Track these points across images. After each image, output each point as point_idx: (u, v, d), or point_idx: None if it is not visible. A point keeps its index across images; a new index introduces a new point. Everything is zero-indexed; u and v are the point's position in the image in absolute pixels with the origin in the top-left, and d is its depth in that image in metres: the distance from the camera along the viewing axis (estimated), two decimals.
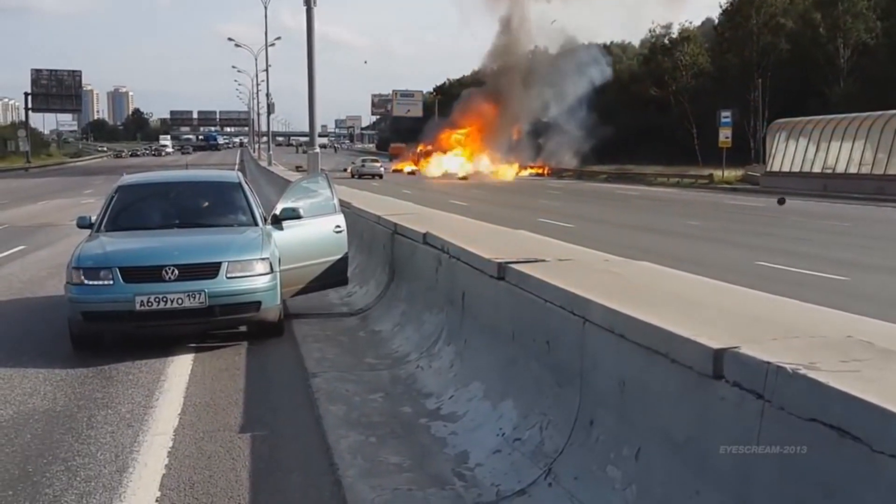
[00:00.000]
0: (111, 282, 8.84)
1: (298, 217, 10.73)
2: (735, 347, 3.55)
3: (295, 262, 10.50)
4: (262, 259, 9.33)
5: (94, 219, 10.57)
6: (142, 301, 8.72)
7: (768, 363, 3.28)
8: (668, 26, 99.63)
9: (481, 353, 6.95)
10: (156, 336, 9.31)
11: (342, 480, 5.45)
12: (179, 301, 8.79)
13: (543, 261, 6.68)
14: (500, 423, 5.85)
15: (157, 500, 5.25)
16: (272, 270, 9.36)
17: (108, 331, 9.23)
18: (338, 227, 11.14)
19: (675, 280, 6.19)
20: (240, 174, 12.09)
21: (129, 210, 10.81)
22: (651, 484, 4.07)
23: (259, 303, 9.21)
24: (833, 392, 2.95)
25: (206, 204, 11.25)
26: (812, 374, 3.09)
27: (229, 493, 5.33)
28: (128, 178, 11.92)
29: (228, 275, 9.04)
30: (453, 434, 6.19)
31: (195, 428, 6.62)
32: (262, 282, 9.22)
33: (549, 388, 5.44)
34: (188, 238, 10.02)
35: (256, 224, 10.50)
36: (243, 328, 9.81)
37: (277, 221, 10.69)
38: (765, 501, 3.27)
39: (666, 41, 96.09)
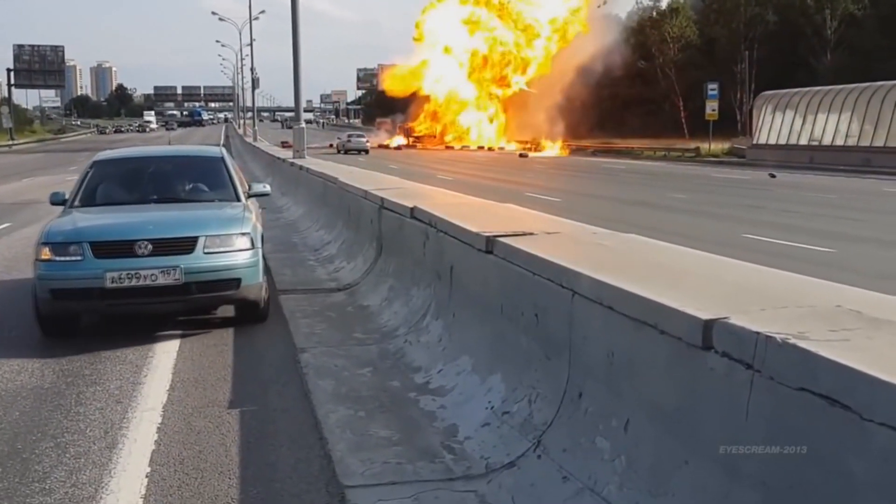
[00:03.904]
0: (80, 257, 8.43)
1: (267, 194, 11.27)
2: (724, 318, 3.55)
3: None
4: (243, 234, 8.99)
5: (68, 195, 10.22)
6: (112, 277, 8.29)
7: (757, 333, 3.28)
8: None
9: (470, 326, 6.95)
10: (129, 316, 9.09)
11: (332, 455, 5.46)
12: (153, 277, 8.38)
13: (531, 234, 6.67)
14: (489, 397, 5.86)
15: (146, 476, 5.24)
16: (253, 246, 9.02)
17: (78, 310, 8.84)
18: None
19: (663, 252, 6.18)
20: (223, 149, 11.75)
21: (104, 185, 10.45)
22: (640, 455, 4.08)
23: (239, 280, 8.80)
24: (822, 361, 2.95)
25: (186, 179, 10.77)
26: (801, 344, 3.09)
27: (219, 469, 5.34)
28: (105, 153, 11.64)
29: (206, 250, 8.65)
30: (442, 408, 6.20)
31: (184, 404, 6.62)
32: (242, 258, 8.85)
33: (538, 361, 5.44)
34: (164, 213, 9.73)
35: (238, 200, 10.15)
36: (223, 315, 9.44)
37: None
38: (754, 471, 3.27)
39: (654, 14, 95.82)
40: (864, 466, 2.76)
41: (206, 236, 8.73)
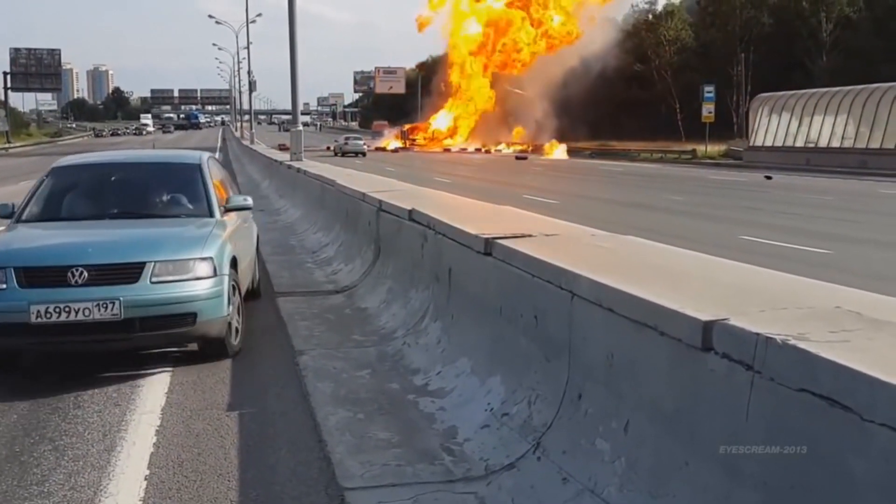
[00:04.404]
0: (4, 286, 7.08)
1: (249, 208, 9.72)
2: (724, 319, 3.55)
3: None
4: (203, 259, 7.60)
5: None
6: (38, 311, 6.94)
7: (757, 334, 3.29)
8: (653, 2, 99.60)
9: (468, 328, 6.95)
10: (65, 355, 7.84)
11: (331, 457, 5.45)
12: (86, 312, 6.99)
13: (530, 236, 6.67)
14: (489, 399, 5.85)
15: (145, 479, 5.24)
16: (216, 273, 7.64)
17: (3, 347, 7.47)
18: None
19: (662, 253, 6.19)
20: (204, 156, 10.00)
21: (58, 197, 9.13)
22: (640, 456, 4.08)
23: (195, 314, 7.44)
24: (823, 362, 2.96)
25: (154, 190, 9.30)
26: (801, 345, 3.10)
27: (218, 471, 5.33)
28: (67, 158, 10.32)
29: (155, 278, 7.28)
30: (441, 410, 6.20)
31: (183, 406, 6.61)
32: (200, 288, 7.49)
33: (538, 363, 5.44)
34: (115, 231, 8.45)
35: (212, 215, 8.78)
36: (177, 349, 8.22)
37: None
38: (754, 471, 3.28)
39: (649, 16, 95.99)
40: (865, 467, 2.76)
41: (157, 262, 7.37)
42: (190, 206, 8.99)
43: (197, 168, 9.43)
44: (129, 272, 7.28)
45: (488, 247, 6.51)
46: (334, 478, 5.15)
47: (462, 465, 5.21)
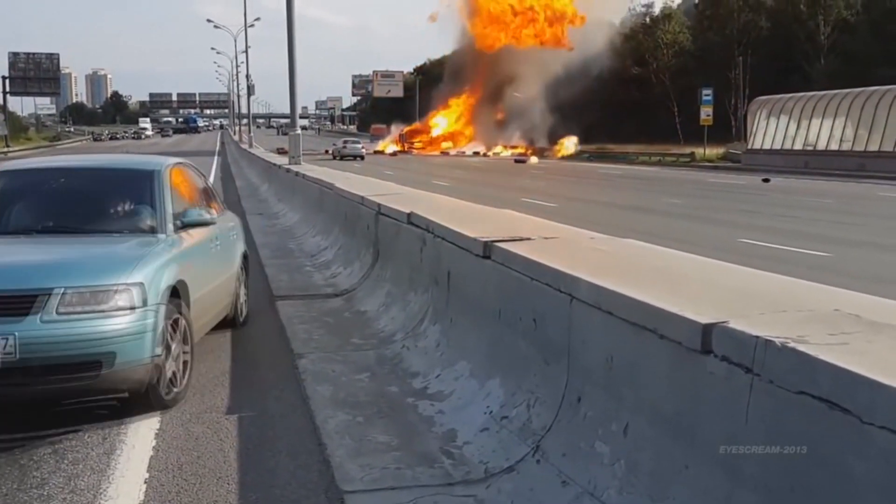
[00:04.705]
0: None
1: (210, 223, 8.11)
2: (723, 322, 3.56)
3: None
4: (128, 286, 6.19)
5: None
6: None
7: (757, 337, 3.29)
8: (650, 4, 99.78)
9: (468, 332, 6.95)
10: None
11: (330, 460, 5.45)
12: None
13: (529, 239, 6.68)
14: (488, 402, 5.86)
15: (145, 482, 5.23)
16: (145, 304, 6.22)
17: None
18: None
19: (661, 256, 6.20)
20: (166, 163, 8.40)
21: None
22: (639, 459, 4.08)
23: (112, 354, 6.04)
24: (822, 365, 2.96)
25: (97, 201, 7.93)
26: (801, 347, 3.10)
27: (217, 474, 5.33)
28: (11, 163, 9.41)
29: (61, 310, 5.93)
30: (440, 413, 6.20)
31: (182, 410, 6.60)
32: (118, 322, 6.08)
33: (537, 366, 5.44)
34: (24, 250, 7.06)
35: (159, 231, 7.38)
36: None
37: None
38: (754, 474, 3.28)
39: (647, 20, 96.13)
40: (865, 469, 2.77)
41: (66, 289, 5.99)
42: (135, 221, 7.56)
43: (151, 176, 7.92)
44: (25, 302, 5.92)
45: (487, 250, 6.52)
46: (334, 481, 5.15)
47: (461, 468, 5.21)
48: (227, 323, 8.94)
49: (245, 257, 9.93)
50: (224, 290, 8.69)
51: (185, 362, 6.91)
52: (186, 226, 7.72)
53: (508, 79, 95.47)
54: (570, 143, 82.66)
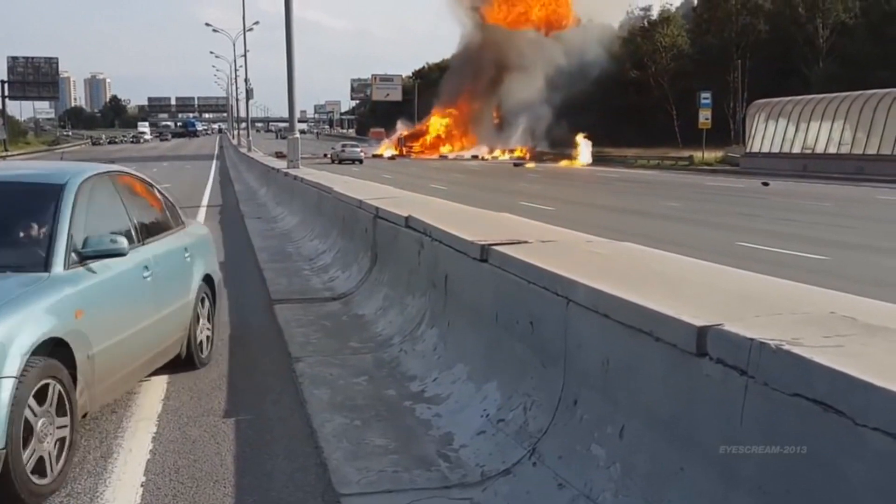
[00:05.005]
0: None
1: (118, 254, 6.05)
2: (718, 325, 3.56)
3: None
4: None
5: None
6: None
7: (751, 340, 3.30)
8: (648, 8, 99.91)
9: (465, 335, 6.96)
10: None
11: (327, 463, 5.45)
12: None
13: (526, 242, 6.68)
14: (485, 405, 5.86)
15: (141, 485, 5.23)
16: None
17: None
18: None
19: (658, 260, 6.21)
20: (83, 174, 6.56)
21: None
22: (635, 462, 4.08)
23: None
24: (816, 367, 2.97)
25: None
26: (795, 350, 3.11)
27: (214, 478, 5.33)
28: None
29: None
30: (437, 416, 6.20)
31: (179, 413, 6.61)
32: None
33: (533, 369, 5.45)
34: None
35: (51, 266, 5.61)
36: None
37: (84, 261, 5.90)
38: (750, 476, 3.28)
39: (645, 23, 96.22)
40: (861, 471, 2.77)
41: None
42: (19, 254, 5.79)
43: (54, 194, 6.07)
44: None
45: (484, 253, 6.52)
46: (331, 484, 5.15)
47: (458, 471, 5.21)
48: (182, 363, 7.63)
49: (210, 281, 8.34)
50: (166, 326, 7.10)
51: (61, 441, 5.18)
52: (87, 258, 5.91)
53: (509, 72, 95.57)
54: (585, 148, 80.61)
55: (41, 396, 4.97)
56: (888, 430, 2.66)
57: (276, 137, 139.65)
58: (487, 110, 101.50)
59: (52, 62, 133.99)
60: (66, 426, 5.21)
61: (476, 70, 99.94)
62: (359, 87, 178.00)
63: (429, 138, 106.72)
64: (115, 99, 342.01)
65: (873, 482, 2.73)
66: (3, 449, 4.58)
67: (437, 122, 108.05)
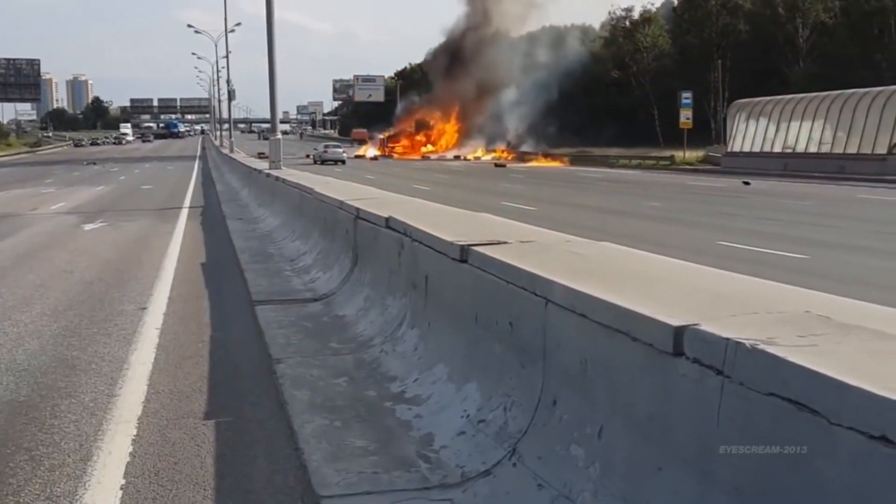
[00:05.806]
0: None
1: None
2: (694, 324, 3.58)
3: None
4: None
5: None
6: None
7: (727, 339, 3.31)
8: (630, 8, 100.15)
9: (445, 335, 6.96)
10: None
11: (307, 465, 5.45)
12: None
13: (506, 243, 6.68)
14: (465, 405, 5.86)
15: (121, 488, 5.22)
16: None
17: None
18: None
19: (636, 259, 6.22)
20: None
21: None
22: (614, 461, 4.09)
23: None
24: (791, 366, 2.98)
25: None
26: (770, 349, 3.12)
27: (194, 480, 5.32)
28: None
29: None
30: (418, 417, 6.20)
31: (159, 416, 6.59)
32: None
33: (513, 370, 5.45)
34: None
35: None
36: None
37: None
38: (727, 476, 3.30)
39: (626, 23, 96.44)
40: (834, 470, 2.78)
41: None
42: None
43: None
44: None
45: (464, 254, 6.52)
46: (310, 486, 5.14)
47: (438, 472, 5.22)
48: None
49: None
50: None
51: None
52: None
53: (492, 72, 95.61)
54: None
55: None
56: (861, 429, 2.67)
57: (259, 138, 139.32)
58: (470, 111, 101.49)
59: (34, 64, 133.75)
60: None
61: (459, 69, 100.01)
62: (341, 88, 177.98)
63: (411, 139, 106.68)
64: (97, 100, 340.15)
65: (846, 481, 2.74)
66: None
67: (419, 123, 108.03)
